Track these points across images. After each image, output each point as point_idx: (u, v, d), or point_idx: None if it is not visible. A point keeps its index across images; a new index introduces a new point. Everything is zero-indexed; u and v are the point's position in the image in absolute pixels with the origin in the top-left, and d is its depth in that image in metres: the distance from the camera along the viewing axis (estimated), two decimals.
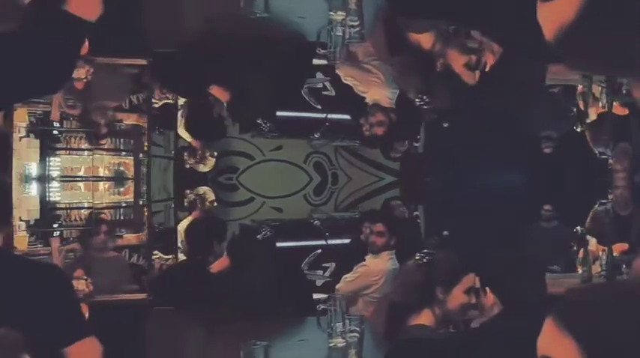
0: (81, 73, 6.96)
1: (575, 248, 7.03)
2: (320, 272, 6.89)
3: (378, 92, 7.12)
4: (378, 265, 6.89)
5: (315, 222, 7.56)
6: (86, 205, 7.71)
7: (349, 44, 6.89)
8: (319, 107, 7.27)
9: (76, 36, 4.77)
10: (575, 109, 7.11)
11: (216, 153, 7.44)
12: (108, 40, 6.31)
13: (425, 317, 6.00)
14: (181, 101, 7.32)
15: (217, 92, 6.75)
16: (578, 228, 7.15)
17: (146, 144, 7.52)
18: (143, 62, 7.00)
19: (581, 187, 7.18)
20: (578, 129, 7.13)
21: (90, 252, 7.18)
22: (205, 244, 7.05)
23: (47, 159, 7.41)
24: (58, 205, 7.54)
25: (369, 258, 6.94)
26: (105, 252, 7.26)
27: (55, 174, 7.46)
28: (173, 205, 7.62)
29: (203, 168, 7.50)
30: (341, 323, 6.14)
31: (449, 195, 7.40)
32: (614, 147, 7.02)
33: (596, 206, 7.23)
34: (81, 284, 6.58)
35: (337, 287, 6.58)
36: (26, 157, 7.21)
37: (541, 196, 7.31)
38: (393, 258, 6.94)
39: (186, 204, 7.48)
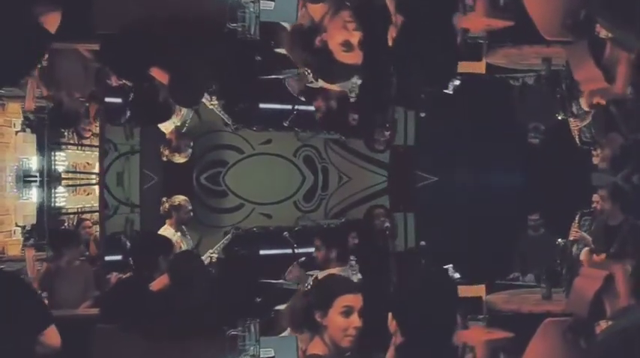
0: None
1: (558, 260, 6.63)
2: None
3: None
4: None
5: (285, 233, 7.23)
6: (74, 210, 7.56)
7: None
8: (302, 99, 6.96)
9: (41, 42, 5.90)
10: (558, 97, 6.72)
11: (192, 143, 7.17)
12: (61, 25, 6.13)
13: (317, 346, 5.58)
14: None
15: (157, 74, 6.28)
16: (560, 240, 6.78)
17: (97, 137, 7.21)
18: (97, 47, 6.62)
19: (567, 186, 6.85)
20: (560, 117, 6.76)
21: (60, 263, 6.86)
22: (153, 260, 6.59)
23: (45, 154, 7.28)
24: (60, 210, 7.42)
25: (317, 273, 6.48)
26: (75, 262, 6.92)
27: (53, 169, 7.31)
28: (139, 211, 7.39)
29: (179, 159, 7.21)
30: (253, 348, 5.76)
31: (437, 196, 7.19)
32: (604, 138, 6.63)
33: (578, 216, 6.90)
34: None
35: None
36: (22, 152, 7.10)
37: (529, 197, 7.01)
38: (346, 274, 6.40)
39: (162, 212, 7.19)
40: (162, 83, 6.29)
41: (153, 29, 6.02)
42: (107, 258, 6.83)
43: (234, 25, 6.32)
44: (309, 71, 6.27)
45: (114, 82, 6.82)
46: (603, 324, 5.41)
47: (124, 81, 6.74)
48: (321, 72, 6.17)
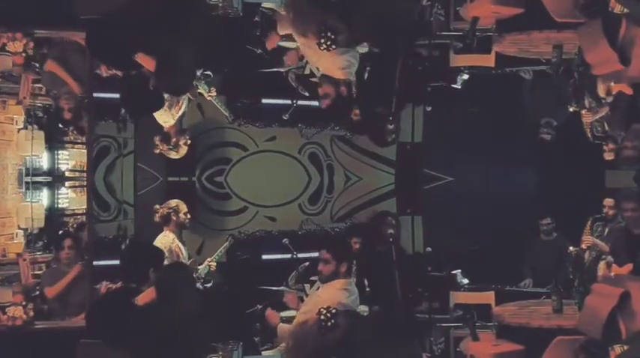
0: (18, 46, 6.60)
1: (570, 269, 6.30)
2: (307, 285, 6.24)
3: (329, 61, 6.18)
4: (331, 296, 6.00)
5: (284, 240, 6.95)
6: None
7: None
8: (307, 94, 6.84)
9: None
10: (570, 89, 6.54)
11: (189, 141, 7.01)
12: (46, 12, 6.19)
13: None
14: None
15: (143, 60, 5.96)
16: (571, 248, 6.42)
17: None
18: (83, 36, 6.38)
19: (579, 187, 6.69)
20: (571, 109, 6.55)
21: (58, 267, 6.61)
22: (142, 270, 6.31)
23: (47, 151, 7.19)
24: (65, 212, 7.35)
25: (321, 287, 6.11)
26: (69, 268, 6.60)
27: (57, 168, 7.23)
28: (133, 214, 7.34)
29: (175, 156, 7.07)
30: None
31: (445, 197, 7.08)
32: (627, 129, 6.38)
33: (590, 222, 6.64)
34: (18, 312, 5.95)
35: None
36: (25, 149, 6.99)
37: (541, 199, 6.90)
38: (350, 289, 6.00)
39: (158, 219, 7.00)
40: (149, 70, 5.99)
41: (134, 8, 5.77)
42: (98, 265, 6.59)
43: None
44: (328, 34, 5.82)
45: (104, 72, 6.66)
46: (618, 349, 4.95)
47: (113, 71, 6.57)
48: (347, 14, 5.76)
